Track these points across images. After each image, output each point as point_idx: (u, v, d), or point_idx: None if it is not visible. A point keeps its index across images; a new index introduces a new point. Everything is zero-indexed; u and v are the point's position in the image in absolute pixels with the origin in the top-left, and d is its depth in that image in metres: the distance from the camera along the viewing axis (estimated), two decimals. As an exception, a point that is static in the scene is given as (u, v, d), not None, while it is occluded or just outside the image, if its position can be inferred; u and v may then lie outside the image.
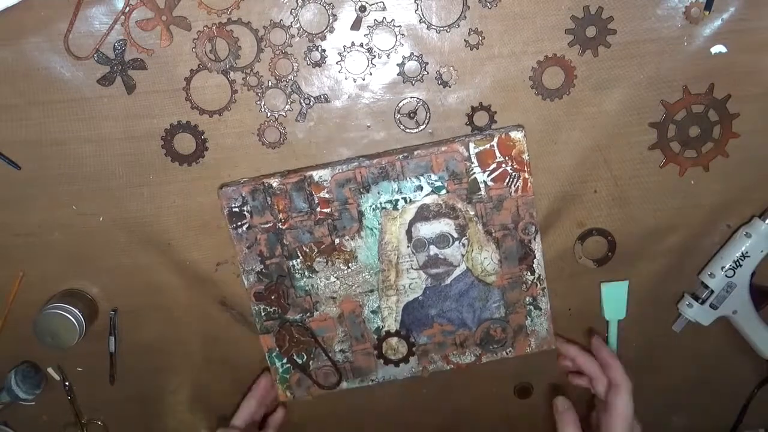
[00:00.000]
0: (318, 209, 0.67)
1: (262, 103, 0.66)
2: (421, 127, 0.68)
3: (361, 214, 0.67)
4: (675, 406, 0.83)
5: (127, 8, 0.62)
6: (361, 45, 0.65)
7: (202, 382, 0.78)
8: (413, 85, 0.66)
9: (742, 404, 0.83)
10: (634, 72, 0.67)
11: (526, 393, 0.80)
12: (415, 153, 0.66)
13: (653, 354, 0.79)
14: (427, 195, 0.67)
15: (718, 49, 0.66)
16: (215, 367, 0.77)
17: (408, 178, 0.67)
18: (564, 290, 0.74)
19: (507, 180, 0.67)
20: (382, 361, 0.73)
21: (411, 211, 0.68)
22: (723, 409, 0.83)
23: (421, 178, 0.67)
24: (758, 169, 0.71)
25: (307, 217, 0.67)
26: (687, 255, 0.74)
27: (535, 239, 0.69)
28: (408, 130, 0.68)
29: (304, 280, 0.69)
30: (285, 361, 0.72)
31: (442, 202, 0.68)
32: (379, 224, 0.68)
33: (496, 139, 0.66)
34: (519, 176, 0.67)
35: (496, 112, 0.67)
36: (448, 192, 0.67)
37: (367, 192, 0.67)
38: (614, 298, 0.75)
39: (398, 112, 0.67)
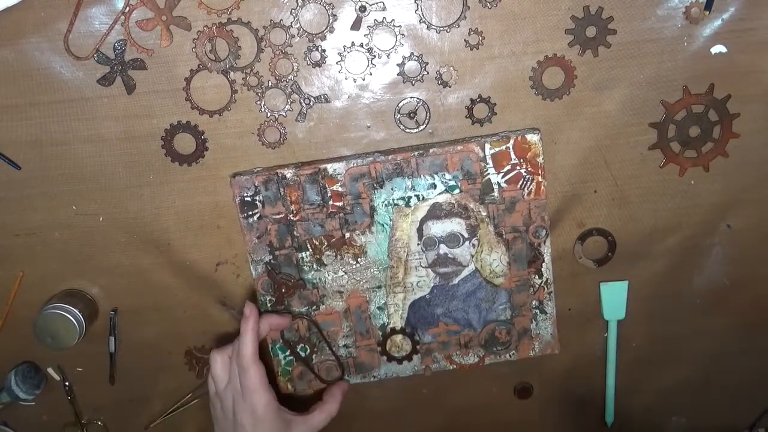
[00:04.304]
0: (330, 202, 0.67)
1: (262, 103, 0.66)
2: (421, 127, 0.68)
3: (373, 209, 0.68)
4: (675, 406, 0.83)
5: (127, 8, 0.62)
6: (361, 45, 0.65)
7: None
8: (413, 85, 0.66)
9: (742, 404, 0.83)
10: (634, 72, 0.67)
11: (527, 393, 0.80)
12: (431, 151, 0.66)
13: (653, 354, 0.79)
14: (440, 193, 0.67)
15: (718, 49, 0.66)
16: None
17: (422, 176, 0.67)
18: (564, 290, 0.74)
19: (520, 182, 0.67)
20: (385, 357, 0.73)
21: (423, 209, 0.68)
22: (723, 409, 0.83)
23: (436, 176, 0.67)
24: (758, 169, 0.71)
25: (319, 209, 0.67)
26: (687, 255, 0.74)
27: (545, 243, 0.69)
28: (408, 130, 0.68)
29: (312, 272, 0.70)
30: (288, 353, 0.72)
31: (454, 202, 0.68)
32: (390, 220, 0.68)
33: (512, 141, 0.66)
34: (533, 179, 0.67)
35: (495, 104, 0.67)
36: (461, 191, 0.67)
37: (381, 187, 0.67)
38: (614, 299, 0.75)
39: (398, 112, 0.67)
